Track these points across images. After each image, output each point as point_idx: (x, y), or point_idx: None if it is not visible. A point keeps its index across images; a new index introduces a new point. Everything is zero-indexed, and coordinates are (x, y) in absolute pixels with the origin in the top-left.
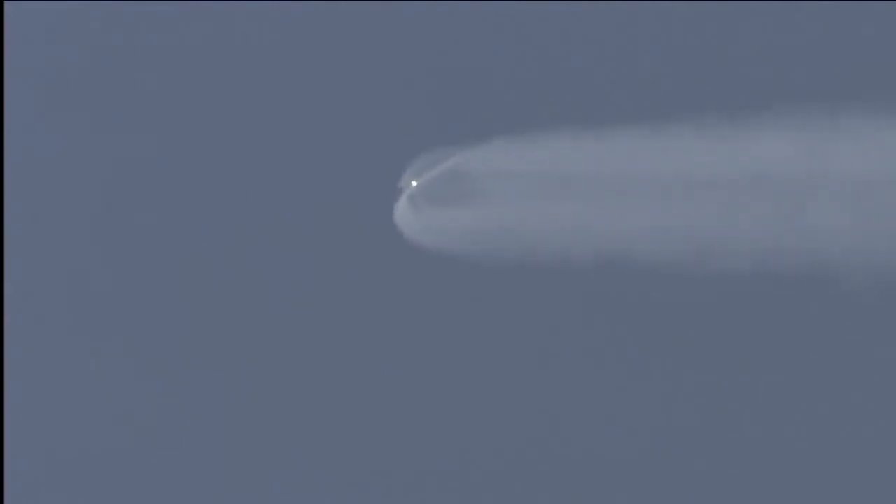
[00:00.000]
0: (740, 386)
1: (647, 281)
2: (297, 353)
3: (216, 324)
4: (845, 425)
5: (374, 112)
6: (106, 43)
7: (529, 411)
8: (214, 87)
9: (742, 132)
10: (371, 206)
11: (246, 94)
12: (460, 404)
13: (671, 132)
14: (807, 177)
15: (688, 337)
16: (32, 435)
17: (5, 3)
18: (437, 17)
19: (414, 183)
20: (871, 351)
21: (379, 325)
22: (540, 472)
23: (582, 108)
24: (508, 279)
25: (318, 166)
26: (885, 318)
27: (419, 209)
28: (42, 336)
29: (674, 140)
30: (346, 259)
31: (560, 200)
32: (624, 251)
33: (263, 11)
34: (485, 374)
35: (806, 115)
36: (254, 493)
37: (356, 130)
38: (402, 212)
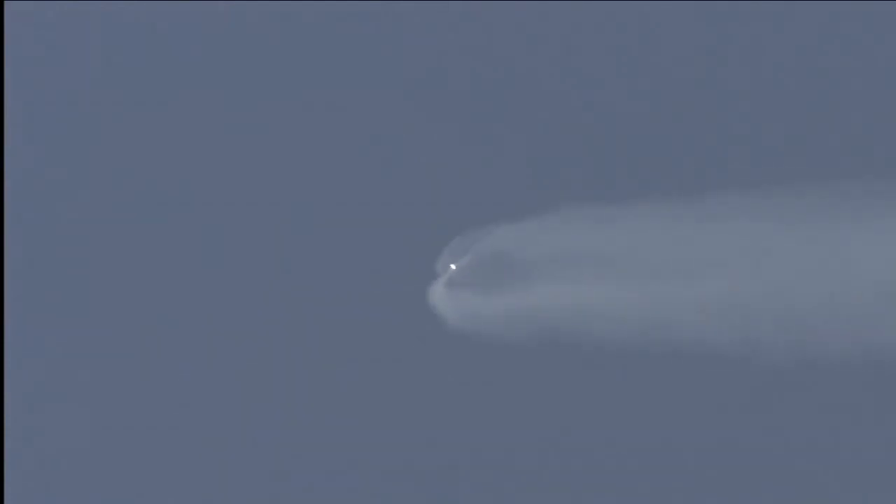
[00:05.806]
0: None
1: (689, 364)
2: (319, 428)
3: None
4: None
5: (407, 190)
6: (106, 43)
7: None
8: (216, 87)
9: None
10: (405, 287)
11: (254, 111)
12: (488, 488)
13: (711, 207)
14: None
15: (731, 422)
16: (32, 435)
17: (5, 3)
18: (471, 92)
19: (453, 266)
20: None
21: (408, 406)
22: None
23: (609, 181)
24: (543, 363)
25: (353, 243)
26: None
27: (456, 293)
28: (42, 336)
29: (713, 215)
30: (379, 339)
31: (596, 282)
32: (663, 335)
33: (272, 12)
34: (515, 459)
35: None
36: (254, 494)
37: (390, 207)
38: (439, 295)
